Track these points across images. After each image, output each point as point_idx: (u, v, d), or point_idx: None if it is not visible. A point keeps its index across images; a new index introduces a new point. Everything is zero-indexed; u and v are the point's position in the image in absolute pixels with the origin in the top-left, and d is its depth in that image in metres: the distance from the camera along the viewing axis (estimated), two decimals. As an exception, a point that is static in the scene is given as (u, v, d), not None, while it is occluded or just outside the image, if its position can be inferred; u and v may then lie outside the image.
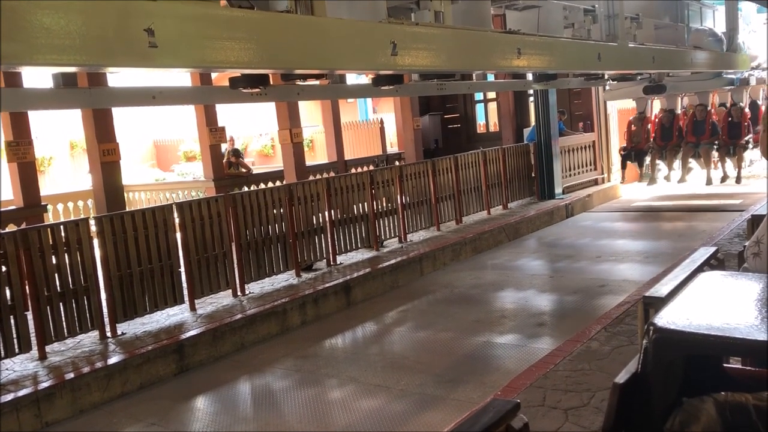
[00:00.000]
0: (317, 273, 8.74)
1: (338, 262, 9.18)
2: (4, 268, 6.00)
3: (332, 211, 9.18)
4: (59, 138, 16.23)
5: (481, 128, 18.88)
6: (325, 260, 9.13)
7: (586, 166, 15.04)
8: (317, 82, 7.51)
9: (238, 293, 7.89)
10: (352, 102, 19.92)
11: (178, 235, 7.43)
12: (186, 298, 7.40)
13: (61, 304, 6.35)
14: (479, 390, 5.32)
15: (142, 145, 18.62)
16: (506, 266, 9.71)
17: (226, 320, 6.95)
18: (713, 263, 3.76)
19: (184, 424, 5.38)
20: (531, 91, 14.91)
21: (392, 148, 17.14)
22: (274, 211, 8.42)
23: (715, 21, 14.18)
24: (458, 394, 5.35)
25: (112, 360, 6.00)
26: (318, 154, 17.50)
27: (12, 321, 6.00)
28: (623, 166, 14.89)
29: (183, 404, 5.80)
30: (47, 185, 14.31)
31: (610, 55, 8.14)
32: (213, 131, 11.79)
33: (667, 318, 2.01)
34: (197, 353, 6.53)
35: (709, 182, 14.39)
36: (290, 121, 11.99)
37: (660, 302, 2.89)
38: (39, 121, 12.73)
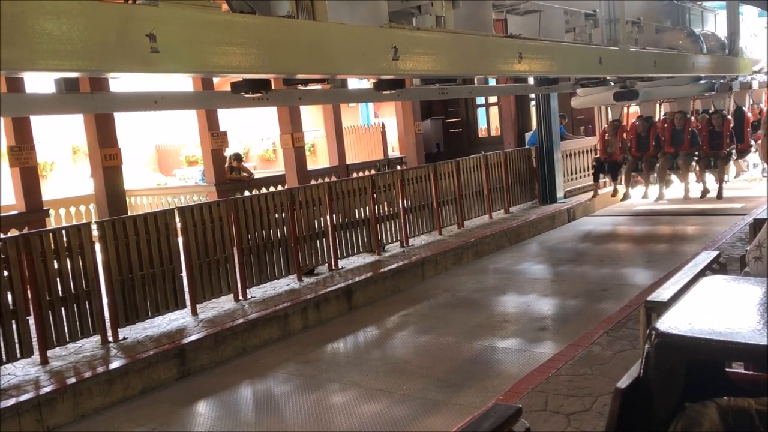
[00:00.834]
0: (319, 277, 8.73)
1: (340, 267, 9.18)
2: (6, 273, 6.01)
3: (334, 215, 9.19)
4: (61, 143, 16.24)
5: (482, 132, 18.91)
6: (326, 264, 9.12)
7: (588, 170, 15.00)
8: (319, 87, 7.51)
9: (240, 298, 7.89)
10: (353, 106, 19.93)
11: (180, 240, 7.44)
12: (187, 303, 7.40)
13: (62, 308, 6.35)
14: (481, 395, 5.31)
15: (144, 149, 18.63)
16: (508, 270, 9.70)
17: (228, 325, 6.94)
18: (715, 267, 3.75)
19: (186, 429, 5.38)
20: (532, 96, 14.93)
21: (394, 152, 17.16)
22: (276, 215, 8.42)
23: (717, 25, 14.19)
24: (460, 399, 5.34)
25: (114, 365, 6.00)
26: (320, 159, 17.51)
27: (14, 325, 6.01)
28: (595, 179, 13.83)
29: (184, 409, 5.79)
30: (49, 190, 14.31)
31: (612, 60, 8.14)
32: (215, 136, 11.81)
33: (669, 323, 2.00)
34: (199, 358, 6.53)
35: (686, 198, 13.02)
36: (292, 126, 12.02)
37: (662, 307, 2.88)
38: (41, 125, 12.74)
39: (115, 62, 3.30)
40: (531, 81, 10.15)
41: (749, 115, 14.20)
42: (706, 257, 3.78)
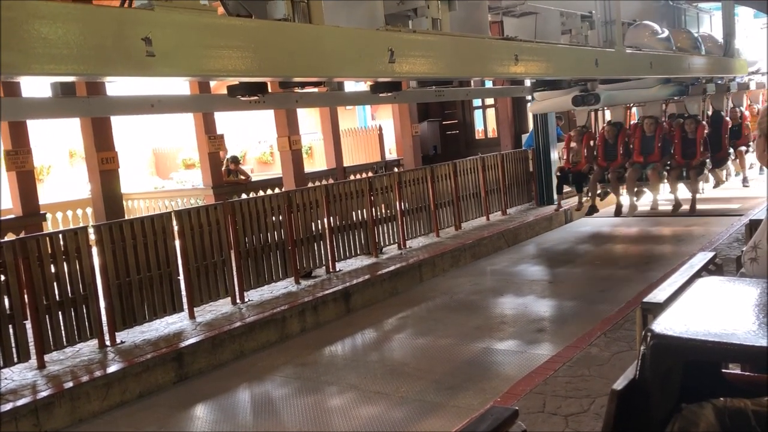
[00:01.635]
0: (316, 280, 8.73)
1: (337, 269, 9.17)
2: (2, 277, 6.00)
3: (331, 218, 9.19)
4: (58, 146, 16.22)
5: (479, 134, 18.95)
6: (324, 267, 9.12)
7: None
8: (315, 90, 7.53)
9: (237, 301, 7.88)
10: (350, 109, 19.96)
11: (177, 243, 7.43)
12: (185, 306, 7.40)
13: (60, 312, 6.34)
14: (479, 396, 5.32)
15: (141, 153, 18.62)
16: (505, 272, 9.71)
17: (226, 328, 6.94)
18: (711, 268, 3.76)
19: (184, 433, 5.37)
20: (529, 97, 14.96)
21: (391, 154, 17.18)
22: (273, 218, 8.42)
23: (712, 26, 14.23)
24: (458, 401, 5.34)
25: (111, 369, 5.99)
26: (317, 161, 17.52)
27: (11, 330, 6.00)
28: (559, 191, 12.70)
29: (182, 412, 5.79)
30: (46, 194, 14.29)
31: (608, 61, 8.16)
32: (212, 139, 11.81)
33: (664, 324, 2.00)
34: (196, 361, 6.52)
35: (654, 209, 11.89)
36: (289, 129, 12.01)
37: (658, 308, 2.88)
38: (38, 129, 12.73)
39: (111, 66, 3.30)
40: (527, 83, 10.16)
41: (728, 119, 13.05)
42: (702, 258, 3.80)
